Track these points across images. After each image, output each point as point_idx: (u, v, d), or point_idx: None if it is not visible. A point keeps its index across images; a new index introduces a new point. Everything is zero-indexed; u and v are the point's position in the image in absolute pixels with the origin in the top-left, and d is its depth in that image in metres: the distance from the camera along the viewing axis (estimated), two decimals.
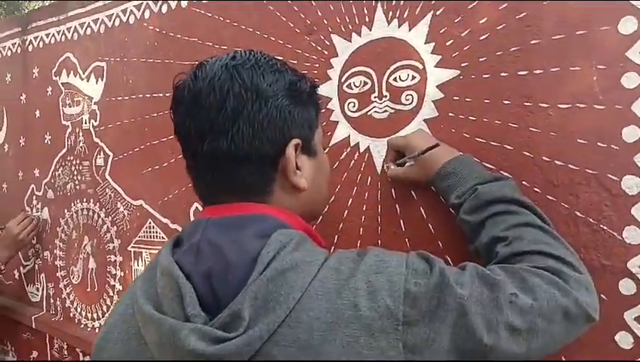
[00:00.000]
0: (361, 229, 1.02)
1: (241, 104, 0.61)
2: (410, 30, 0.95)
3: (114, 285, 1.57)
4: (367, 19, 1.01)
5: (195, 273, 0.59)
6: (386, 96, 0.98)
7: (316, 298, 0.55)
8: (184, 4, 1.33)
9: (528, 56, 0.83)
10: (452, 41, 0.90)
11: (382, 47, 0.99)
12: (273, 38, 1.15)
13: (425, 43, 0.93)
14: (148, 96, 1.44)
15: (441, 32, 0.92)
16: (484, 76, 0.87)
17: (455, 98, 0.90)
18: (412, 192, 0.96)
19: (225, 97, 0.61)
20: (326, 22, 1.06)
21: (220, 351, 0.52)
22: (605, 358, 0.76)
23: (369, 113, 1.00)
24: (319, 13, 1.07)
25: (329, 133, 1.05)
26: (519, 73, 0.84)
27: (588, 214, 0.77)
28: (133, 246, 1.51)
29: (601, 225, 0.76)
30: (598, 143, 0.76)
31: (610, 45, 0.75)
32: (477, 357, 0.55)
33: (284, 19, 1.13)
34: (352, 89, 1.02)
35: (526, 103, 0.83)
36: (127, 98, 1.50)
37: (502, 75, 0.85)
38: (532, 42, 0.82)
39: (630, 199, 0.74)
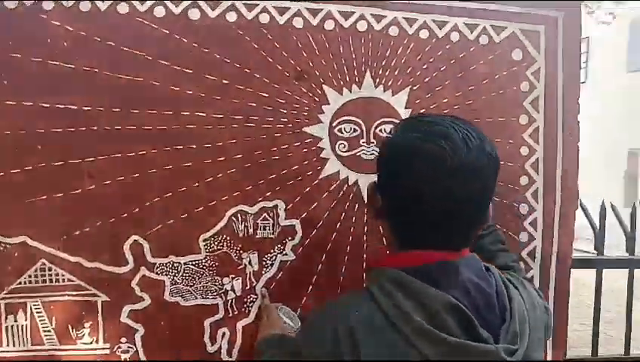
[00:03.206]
0: (349, 247, 1.27)
1: (493, 169, 0.82)
2: (392, 96, 1.28)
3: None
4: (357, 80, 1.26)
5: (469, 306, 0.78)
6: (372, 142, 1.27)
7: (525, 307, 0.86)
8: (123, 9, 1.17)
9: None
10: (424, 110, 1.29)
11: (370, 105, 1.27)
12: (258, 75, 1.22)
13: (404, 108, 1.29)
14: (46, 105, 1.15)
15: (417, 102, 1.29)
16: None
17: None
18: None
19: (495, 164, 0.81)
20: (317, 73, 1.25)
21: (514, 358, 0.78)
22: None
23: (358, 154, 1.27)
24: (310, 64, 1.24)
25: (319, 168, 1.25)
26: None
27: (503, 226, 1.32)
28: (5, 297, 1.15)
29: (509, 232, 1.33)
30: (509, 185, 1.33)
31: (514, 128, 1.33)
32: (546, 319, 0.96)
33: (271, 60, 1.22)
34: (342, 133, 1.26)
35: None
36: None
37: None
38: (474, 120, 1.30)
39: (523, 217, 1.34)
